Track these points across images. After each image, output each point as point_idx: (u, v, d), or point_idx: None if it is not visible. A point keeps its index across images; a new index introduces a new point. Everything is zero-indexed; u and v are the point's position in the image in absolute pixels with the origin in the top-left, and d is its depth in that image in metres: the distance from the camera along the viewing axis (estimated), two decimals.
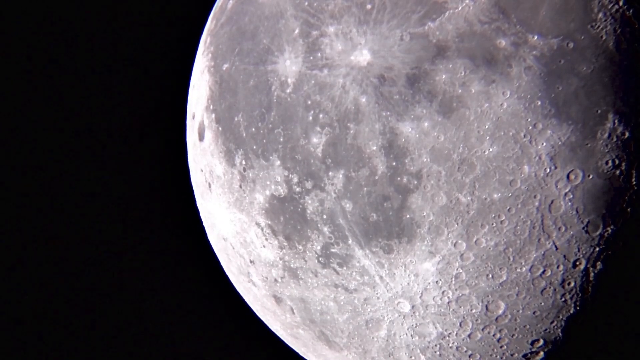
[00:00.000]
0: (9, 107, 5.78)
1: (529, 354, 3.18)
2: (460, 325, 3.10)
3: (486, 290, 2.97)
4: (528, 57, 2.76)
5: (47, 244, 5.93)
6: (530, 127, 2.76)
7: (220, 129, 3.34)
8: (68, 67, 5.82)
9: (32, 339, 5.89)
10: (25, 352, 5.85)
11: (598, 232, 2.85)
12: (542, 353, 3.17)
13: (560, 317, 3.03)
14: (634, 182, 2.82)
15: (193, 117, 3.66)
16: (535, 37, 2.76)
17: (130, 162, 5.95)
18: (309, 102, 2.99)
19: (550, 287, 2.95)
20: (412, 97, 2.84)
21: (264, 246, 3.32)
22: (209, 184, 3.51)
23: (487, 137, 2.78)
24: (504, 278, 2.94)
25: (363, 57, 2.90)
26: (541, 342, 3.12)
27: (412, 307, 3.10)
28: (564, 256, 2.89)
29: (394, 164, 2.87)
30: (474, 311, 3.04)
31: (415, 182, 2.86)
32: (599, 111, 2.77)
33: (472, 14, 2.81)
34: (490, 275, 2.94)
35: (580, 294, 2.97)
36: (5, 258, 5.85)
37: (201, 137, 3.53)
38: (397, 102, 2.86)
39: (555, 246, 2.86)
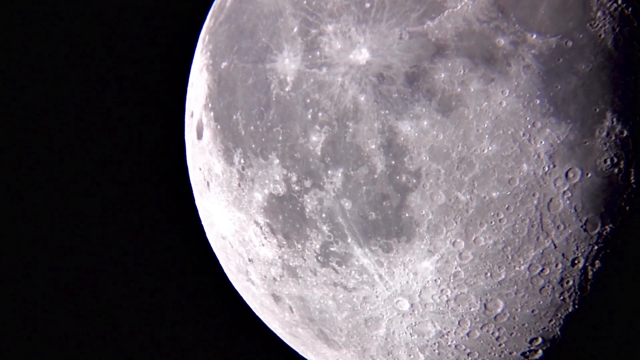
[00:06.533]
0: (8, 106, 5.77)
1: (528, 353, 3.18)
2: (459, 323, 3.10)
3: (485, 289, 2.98)
4: (527, 55, 2.76)
5: (45, 243, 5.92)
6: (529, 126, 2.76)
7: (218, 127, 3.34)
8: (66, 66, 5.81)
9: (31, 339, 5.88)
10: (23, 352, 5.85)
11: (597, 231, 2.86)
12: (540, 351, 3.17)
13: (559, 315, 3.03)
14: (633, 181, 2.83)
15: (191, 116, 3.66)
16: (534, 36, 2.76)
17: (129, 161, 5.94)
18: (308, 101, 2.98)
19: (548, 286, 2.95)
20: (411, 96, 2.84)
21: (263, 245, 3.32)
22: (208, 182, 3.51)
23: (486, 136, 2.78)
24: (503, 276, 2.94)
25: (362, 55, 2.90)
26: (540, 340, 3.13)
27: (411, 305, 3.10)
28: (563, 254, 2.89)
29: (393, 162, 2.87)
30: (472, 310, 3.04)
31: (414, 181, 2.86)
32: (598, 110, 2.77)
33: (471, 13, 2.81)
34: (489, 274, 2.94)
35: (578, 293, 2.98)
36: (5, 257, 5.84)
37: (199, 136, 3.52)
38: (396, 100, 2.86)
39: (554, 244, 2.87)
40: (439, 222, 2.88)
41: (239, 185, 3.27)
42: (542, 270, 2.92)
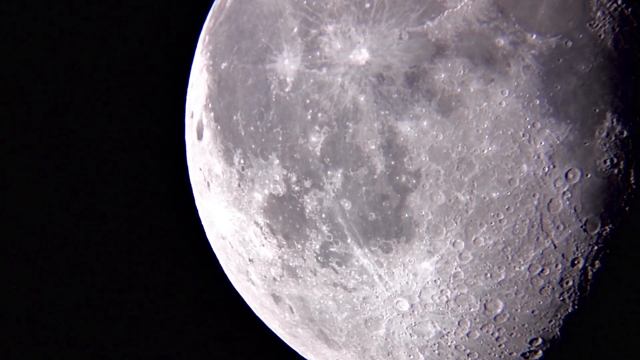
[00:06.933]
0: (8, 106, 5.77)
1: (528, 353, 3.18)
2: (458, 324, 3.10)
3: (485, 289, 2.98)
4: (527, 56, 2.76)
5: (45, 244, 5.93)
6: (528, 126, 2.76)
7: (218, 127, 3.34)
8: (66, 66, 5.81)
9: (30, 339, 5.88)
10: (23, 353, 5.85)
11: (596, 231, 2.86)
12: (540, 352, 3.17)
13: (559, 316, 3.03)
14: (632, 181, 2.83)
15: (192, 116, 3.66)
16: (534, 36, 2.76)
17: (129, 161, 5.95)
18: (308, 101, 2.98)
19: (548, 286, 2.95)
20: (410, 96, 2.84)
21: (263, 245, 3.32)
22: (208, 182, 3.51)
23: (486, 136, 2.78)
24: (503, 277, 2.94)
25: (362, 55, 2.90)
26: (540, 341, 3.12)
27: (411, 306, 3.10)
28: (563, 255, 2.89)
29: (393, 163, 2.87)
30: (472, 310, 3.04)
31: (414, 181, 2.86)
32: (598, 110, 2.77)
33: (471, 13, 2.81)
34: (489, 274, 2.94)
35: (578, 293, 2.98)
36: (4, 258, 5.85)
37: (200, 136, 3.53)
38: (395, 101, 2.85)
39: (554, 245, 2.87)
40: (438, 222, 2.88)
41: (239, 185, 3.27)
42: (542, 271, 2.92)
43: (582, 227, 2.84)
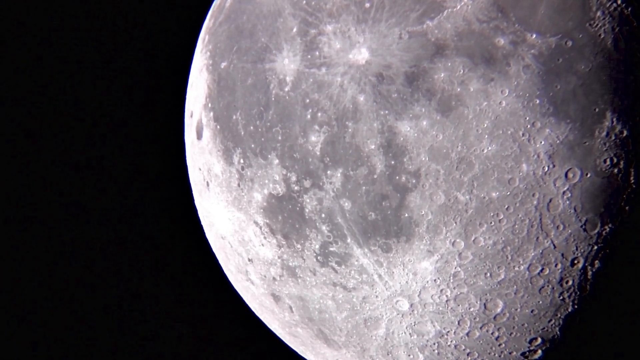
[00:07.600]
0: (8, 106, 5.77)
1: (527, 353, 3.18)
2: (458, 323, 3.10)
3: (484, 289, 2.98)
4: (526, 55, 2.76)
5: (44, 244, 5.92)
6: (528, 126, 2.76)
7: (218, 127, 3.34)
8: (66, 66, 5.81)
9: (30, 339, 5.88)
10: (21, 353, 5.85)
11: (596, 231, 2.86)
12: (540, 351, 3.17)
13: (559, 315, 3.03)
14: (632, 181, 2.83)
15: (191, 116, 3.66)
16: (534, 36, 2.76)
17: (128, 161, 5.94)
18: (307, 101, 2.98)
19: (548, 286, 2.95)
20: (410, 96, 2.84)
21: (263, 245, 3.32)
22: (207, 182, 3.51)
23: (486, 136, 2.78)
24: (502, 277, 2.94)
25: (361, 55, 2.90)
26: (539, 340, 3.12)
27: (411, 305, 3.10)
28: (562, 254, 2.89)
29: (393, 162, 2.87)
30: (472, 310, 3.04)
31: (414, 181, 2.86)
32: (597, 110, 2.77)
33: (471, 13, 2.80)
34: (489, 274, 2.94)
35: (578, 293, 2.98)
36: (4, 258, 5.84)
37: (199, 136, 3.52)
38: (395, 100, 2.85)
39: (554, 245, 2.87)
40: (438, 222, 2.88)
41: (239, 185, 3.27)
42: (541, 270, 2.92)
43: (581, 226, 2.84)
